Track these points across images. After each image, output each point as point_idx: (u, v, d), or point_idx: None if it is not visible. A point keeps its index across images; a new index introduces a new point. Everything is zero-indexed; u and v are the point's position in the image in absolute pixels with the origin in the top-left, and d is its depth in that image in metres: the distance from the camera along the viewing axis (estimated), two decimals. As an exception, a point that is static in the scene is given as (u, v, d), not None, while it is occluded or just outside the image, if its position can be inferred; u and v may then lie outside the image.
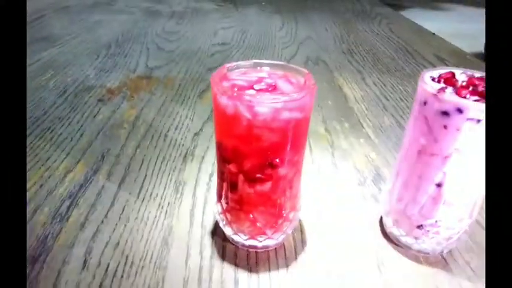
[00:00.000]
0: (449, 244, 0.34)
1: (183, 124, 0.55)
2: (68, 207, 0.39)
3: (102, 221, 0.37)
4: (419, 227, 0.34)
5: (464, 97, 0.28)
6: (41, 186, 0.42)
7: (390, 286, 0.32)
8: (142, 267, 0.33)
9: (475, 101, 0.28)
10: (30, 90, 0.63)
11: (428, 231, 0.34)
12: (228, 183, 0.32)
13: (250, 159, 0.30)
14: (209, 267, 0.33)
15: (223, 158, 0.31)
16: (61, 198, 0.40)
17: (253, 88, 0.29)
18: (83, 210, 0.39)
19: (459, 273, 0.34)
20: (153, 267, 0.33)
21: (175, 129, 0.54)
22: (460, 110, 0.27)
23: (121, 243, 0.35)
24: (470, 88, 0.29)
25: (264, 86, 0.30)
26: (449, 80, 0.30)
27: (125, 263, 0.33)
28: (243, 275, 0.33)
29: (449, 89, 0.29)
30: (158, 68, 0.74)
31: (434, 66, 0.81)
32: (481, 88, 0.29)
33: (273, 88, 0.30)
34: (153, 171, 0.45)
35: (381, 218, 0.39)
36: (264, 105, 0.27)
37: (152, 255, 0.34)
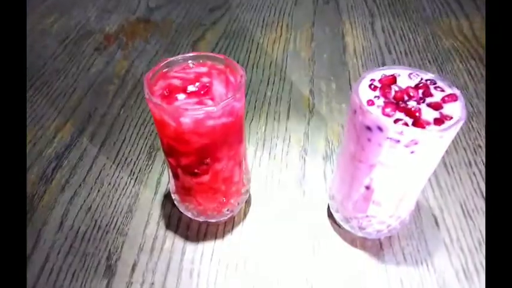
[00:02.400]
0: (385, 233, 0.36)
1: (169, 80, 0.56)
2: (53, 169, 0.44)
3: (80, 185, 0.43)
4: (354, 217, 0.36)
5: (388, 115, 0.27)
6: (34, 145, 0.47)
7: (317, 267, 0.36)
8: (107, 232, 0.39)
9: (398, 119, 0.27)
10: (35, 35, 0.65)
11: (361, 222, 0.35)
12: (172, 172, 0.35)
13: (185, 157, 0.32)
14: (163, 237, 0.38)
15: (163, 150, 0.34)
16: (49, 159, 0.45)
17: (185, 91, 0.30)
18: (65, 173, 0.44)
19: (390, 258, 0.36)
20: (115, 233, 0.38)
21: (161, 86, 0.55)
22: (380, 128, 0.27)
23: (92, 208, 0.41)
24: (401, 102, 0.28)
25: (197, 88, 0.30)
26: (384, 88, 0.29)
27: (93, 227, 0.39)
28: (190, 246, 0.37)
29: (380, 101, 0.28)
30: (158, 9, 0.73)
31: (452, 9, 0.72)
32: (413, 101, 0.28)
33: (206, 91, 0.30)
34: (131, 134, 0.48)
35: (332, 198, 0.41)
36: (187, 116, 0.28)
37: (117, 221, 0.39)
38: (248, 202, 0.41)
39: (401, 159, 0.28)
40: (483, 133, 0.48)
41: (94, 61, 0.60)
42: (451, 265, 0.36)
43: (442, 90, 0.29)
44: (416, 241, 0.37)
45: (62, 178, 0.43)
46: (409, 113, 0.27)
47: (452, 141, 0.41)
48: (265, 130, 0.49)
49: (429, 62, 0.59)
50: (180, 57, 0.33)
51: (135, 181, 0.43)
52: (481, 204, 0.40)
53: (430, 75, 0.30)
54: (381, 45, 0.63)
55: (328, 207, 0.40)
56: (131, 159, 0.45)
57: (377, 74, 0.31)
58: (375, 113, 0.27)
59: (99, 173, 0.44)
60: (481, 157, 0.45)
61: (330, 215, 0.39)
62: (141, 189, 0.42)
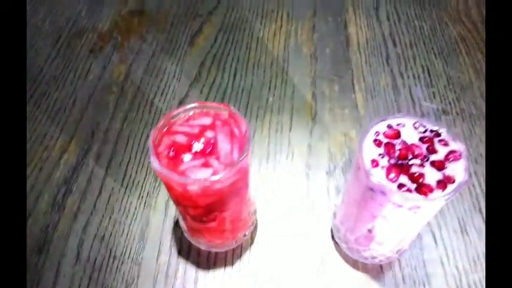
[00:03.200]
0: (385, 260, 0.38)
1: (169, 87, 0.55)
2: (64, 195, 0.45)
3: (91, 212, 0.44)
4: (357, 250, 0.37)
5: (391, 180, 0.28)
6: (41, 169, 0.48)
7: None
8: (122, 262, 0.41)
9: (401, 185, 0.27)
10: (28, 36, 0.63)
11: (363, 253, 0.37)
12: (180, 214, 0.36)
13: (192, 209, 0.33)
14: (175, 265, 0.40)
15: (171, 198, 0.35)
16: (57, 184, 0.46)
17: (190, 150, 0.30)
18: (76, 198, 0.45)
19: (389, 281, 0.39)
20: (130, 262, 0.40)
21: (161, 94, 0.55)
22: (383, 192, 0.28)
23: (106, 236, 0.42)
24: (404, 162, 0.28)
25: (202, 146, 0.30)
26: (388, 146, 0.29)
27: (109, 257, 0.41)
28: (202, 273, 0.40)
29: (384, 160, 0.29)
30: (151, -3, 0.69)
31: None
32: (418, 160, 0.28)
33: (211, 150, 0.30)
34: (136, 152, 0.49)
35: (335, 219, 0.42)
36: (194, 184, 0.29)
37: (131, 250, 0.41)
38: (255, 224, 0.42)
39: (404, 217, 0.29)
40: (484, 138, 0.48)
41: (90, 66, 0.58)
42: (447, 285, 0.38)
43: (446, 144, 0.29)
44: (415, 261, 0.40)
45: (73, 205, 0.45)
46: (412, 178, 0.27)
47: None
48: (268, 144, 0.49)
49: (435, 55, 0.58)
50: (182, 109, 0.32)
51: (145, 205, 0.44)
52: (479, 221, 0.42)
53: (434, 126, 0.30)
54: (385, 36, 0.60)
55: (332, 229, 0.42)
56: (138, 181, 0.46)
57: (382, 126, 0.30)
58: (379, 178, 0.28)
59: (109, 198, 0.45)
60: (482, 168, 0.46)
61: (333, 237, 0.41)
62: (150, 214, 0.44)
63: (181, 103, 0.54)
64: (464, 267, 0.39)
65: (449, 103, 0.52)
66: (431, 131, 0.30)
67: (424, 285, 0.38)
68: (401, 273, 0.39)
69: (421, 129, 0.30)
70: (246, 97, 0.54)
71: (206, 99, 0.54)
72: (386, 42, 0.60)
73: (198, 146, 0.30)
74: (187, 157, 0.30)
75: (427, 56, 0.58)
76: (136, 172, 0.47)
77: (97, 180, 0.47)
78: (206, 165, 0.30)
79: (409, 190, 0.27)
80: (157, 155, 0.30)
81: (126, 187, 0.46)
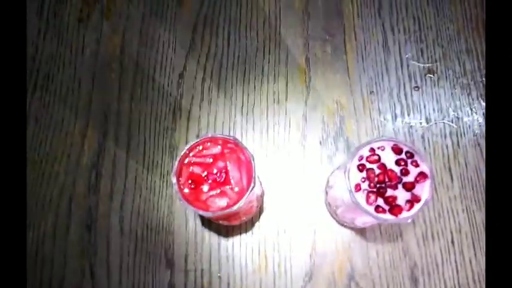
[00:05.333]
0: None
1: (166, 59, 0.57)
2: (96, 178, 0.53)
3: (123, 192, 0.52)
4: (345, 221, 0.47)
5: (370, 203, 0.35)
6: (69, 156, 0.54)
7: (317, 243, 0.49)
8: (158, 232, 0.51)
9: (378, 207, 0.35)
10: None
11: (350, 223, 0.47)
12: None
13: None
14: (201, 232, 0.51)
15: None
16: (87, 168, 0.53)
17: (207, 181, 0.37)
18: (107, 181, 0.53)
19: (370, 235, 0.49)
20: (165, 232, 0.51)
21: (161, 68, 0.57)
22: (366, 212, 0.35)
23: (140, 212, 0.52)
24: (382, 186, 0.35)
25: (216, 176, 0.37)
26: (369, 172, 0.35)
27: (147, 229, 0.51)
28: (223, 238, 0.50)
29: (365, 184, 0.36)
30: None
31: None
32: (392, 183, 0.35)
33: (224, 179, 0.37)
34: (149, 133, 0.54)
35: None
36: (214, 212, 0.36)
37: (163, 222, 0.51)
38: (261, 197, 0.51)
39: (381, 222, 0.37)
40: (464, 100, 0.53)
41: (84, 40, 0.58)
42: (415, 235, 0.49)
43: (417, 165, 0.36)
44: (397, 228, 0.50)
45: (106, 187, 0.53)
46: (386, 201, 0.35)
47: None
48: (267, 116, 0.54)
49: (427, 2, 0.57)
50: (193, 144, 0.37)
51: (167, 184, 0.52)
52: (448, 179, 0.51)
53: (408, 147, 0.36)
54: (379, -20, 0.58)
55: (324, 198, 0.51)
56: (157, 162, 0.53)
57: (365, 150, 0.36)
58: (360, 201, 0.35)
59: (135, 179, 0.53)
60: (457, 129, 0.52)
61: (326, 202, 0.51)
62: (173, 192, 0.52)
63: (181, 76, 0.56)
64: (430, 219, 0.49)
65: (436, 60, 0.55)
66: (407, 152, 0.36)
67: (397, 237, 0.49)
68: (379, 229, 0.49)
69: (398, 151, 0.36)
70: (242, 67, 0.56)
71: (204, 72, 0.56)
72: (380, -13, 0.58)
73: (212, 177, 0.37)
74: (205, 188, 0.37)
75: (420, 4, 0.57)
76: (153, 153, 0.54)
77: (121, 163, 0.53)
78: (223, 194, 0.37)
79: (383, 211, 0.35)
80: (181, 190, 0.37)
81: (148, 168, 0.53)
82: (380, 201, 0.35)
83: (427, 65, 0.55)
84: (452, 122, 0.53)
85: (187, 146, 0.37)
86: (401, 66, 0.55)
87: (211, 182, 0.37)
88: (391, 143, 0.36)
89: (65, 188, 0.52)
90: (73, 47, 0.58)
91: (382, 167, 0.36)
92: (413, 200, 0.35)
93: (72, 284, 0.49)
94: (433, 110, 0.53)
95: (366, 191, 0.35)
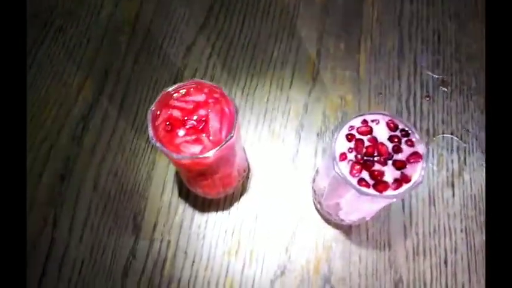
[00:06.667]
0: (353, 223, 0.44)
1: (178, 32, 0.57)
2: (82, 130, 0.51)
3: (106, 150, 0.50)
4: (328, 213, 0.43)
5: (354, 175, 0.32)
6: (61, 105, 0.53)
7: (297, 238, 0.45)
8: (132, 195, 0.48)
9: (362, 180, 0.32)
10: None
11: (334, 216, 0.43)
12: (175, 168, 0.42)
13: (186, 172, 0.38)
14: (176, 204, 0.47)
15: (171, 158, 0.40)
16: (76, 119, 0.52)
17: (185, 126, 0.34)
18: (93, 135, 0.51)
19: (355, 237, 0.45)
20: (138, 197, 0.48)
21: (170, 39, 0.56)
22: (348, 183, 0.32)
23: (118, 172, 0.49)
24: (369, 159, 0.32)
25: (195, 123, 0.34)
26: (357, 142, 0.32)
27: (121, 191, 0.48)
28: (197, 214, 0.47)
29: (352, 155, 0.32)
30: None
31: None
32: (381, 158, 0.32)
33: (203, 127, 0.34)
34: (145, 96, 0.53)
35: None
36: (185, 160, 0.34)
37: (139, 186, 0.48)
38: (247, 176, 0.48)
39: (365, 201, 0.34)
40: (475, 115, 0.50)
41: (103, 1, 0.59)
42: (404, 247, 0.45)
43: (411, 145, 0.33)
44: (380, 224, 0.46)
45: (90, 141, 0.51)
46: (372, 174, 0.32)
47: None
48: (267, 100, 0.52)
49: (449, 17, 0.56)
50: (178, 85, 0.36)
51: (151, 149, 0.50)
52: (449, 194, 0.47)
53: (404, 124, 0.33)
54: (404, -10, 0.58)
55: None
56: (147, 125, 0.51)
57: (357, 121, 0.33)
58: (343, 171, 0.32)
59: (121, 139, 0.51)
60: (465, 145, 0.49)
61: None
62: (156, 158, 0.50)
63: (188, 49, 0.56)
64: (424, 233, 0.45)
65: (451, 74, 0.53)
66: (402, 130, 0.33)
67: (385, 245, 0.45)
68: (366, 233, 0.45)
69: (393, 127, 0.33)
70: (251, 49, 0.55)
71: (212, 48, 0.55)
72: (404, -3, 0.58)
73: (191, 123, 0.35)
74: (181, 132, 0.34)
75: (441, 18, 0.56)
76: (145, 116, 0.52)
77: (111, 120, 0.52)
78: (198, 141, 0.34)
79: (367, 185, 0.31)
80: (156, 129, 0.34)
81: (136, 130, 0.51)
82: (365, 174, 0.32)
83: (442, 76, 0.53)
84: (461, 139, 0.49)
85: (171, 88, 0.36)
86: (415, 73, 0.53)
87: (189, 127, 0.34)
88: (387, 118, 0.33)
89: (49, 135, 0.51)
90: (91, 7, 0.59)
91: (373, 140, 0.33)
92: (403, 180, 0.31)
93: (32, 230, 0.46)
94: (442, 122, 0.50)
95: (351, 162, 0.32)
